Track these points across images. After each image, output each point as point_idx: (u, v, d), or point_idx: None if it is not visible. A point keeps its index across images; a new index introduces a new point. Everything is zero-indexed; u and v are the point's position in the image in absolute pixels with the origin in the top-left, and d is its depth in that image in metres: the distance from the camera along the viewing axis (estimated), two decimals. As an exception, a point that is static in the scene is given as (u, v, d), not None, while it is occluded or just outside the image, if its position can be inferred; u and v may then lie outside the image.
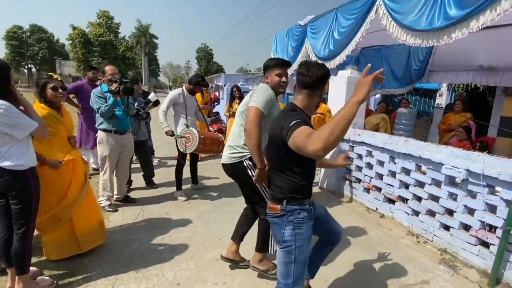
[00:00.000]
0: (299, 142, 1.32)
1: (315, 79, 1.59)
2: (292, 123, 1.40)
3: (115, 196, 3.79)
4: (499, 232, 2.47)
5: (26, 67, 48.34)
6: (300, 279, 1.60)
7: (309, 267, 2.03)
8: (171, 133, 3.84)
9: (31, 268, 2.21)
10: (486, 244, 2.62)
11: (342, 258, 2.80)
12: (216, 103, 7.82)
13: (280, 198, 1.60)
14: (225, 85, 12.18)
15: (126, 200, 3.86)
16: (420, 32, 2.96)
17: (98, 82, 5.48)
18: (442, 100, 7.48)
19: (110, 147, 3.46)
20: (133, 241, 2.95)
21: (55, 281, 2.23)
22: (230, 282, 2.41)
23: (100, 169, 3.62)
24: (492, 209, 2.56)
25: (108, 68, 3.48)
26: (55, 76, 2.50)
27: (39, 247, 2.52)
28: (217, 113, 7.71)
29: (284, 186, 1.60)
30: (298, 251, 1.56)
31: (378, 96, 7.26)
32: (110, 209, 3.58)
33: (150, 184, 4.50)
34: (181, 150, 3.80)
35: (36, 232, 2.25)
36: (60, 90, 2.41)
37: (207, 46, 57.95)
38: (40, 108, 2.35)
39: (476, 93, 6.37)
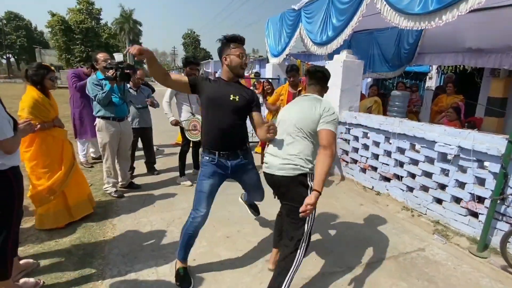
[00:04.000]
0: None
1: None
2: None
3: (120, 183, 3.87)
4: (487, 203, 2.70)
5: (4, 57, 46.28)
6: (196, 204, 2.15)
7: None
8: (175, 123, 3.89)
9: (27, 260, 2.26)
10: (475, 214, 2.86)
11: (344, 232, 3.00)
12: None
13: None
14: (215, 72, 12.08)
15: (131, 187, 3.95)
16: (413, 15, 3.08)
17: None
18: (432, 82, 7.73)
19: (110, 134, 3.51)
20: (144, 223, 3.06)
21: (41, 281, 2.11)
22: (243, 256, 2.57)
23: (102, 157, 3.67)
24: (481, 182, 2.78)
25: (100, 56, 3.48)
26: (52, 68, 2.72)
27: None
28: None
29: None
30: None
31: (369, 80, 7.43)
32: (116, 195, 3.66)
33: (151, 170, 4.58)
34: (189, 138, 3.87)
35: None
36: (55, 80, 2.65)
37: (194, 32, 56.67)
38: (36, 95, 2.56)
39: (464, 74, 6.62)
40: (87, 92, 3.51)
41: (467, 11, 2.65)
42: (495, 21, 3.99)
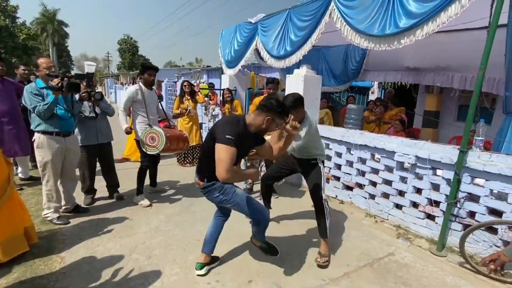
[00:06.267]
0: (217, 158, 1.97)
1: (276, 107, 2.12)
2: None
3: (64, 207, 3.32)
4: (442, 206, 2.99)
5: None
6: (257, 210, 2.31)
7: (207, 242, 2.54)
8: (129, 130, 3.55)
9: None
10: (431, 217, 3.15)
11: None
12: (159, 100, 7.37)
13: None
14: (161, 81, 11.51)
15: (77, 211, 3.42)
16: (373, 37, 3.32)
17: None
18: (374, 96, 8.55)
19: (53, 151, 3.01)
20: (101, 253, 2.65)
21: None
22: (222, 279, 2.38)
23: (41, 178, 3.10)
24: (435, 187, 3.08)
25: (43, 61, 2.99)
26: None
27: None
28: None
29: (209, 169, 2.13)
30: (233, 197, 2.23)
31: (318, 93, 7.86)
32: (60, 222, 3.13)
33: (114, 194, 3.92)
34: (146, 152, 3.52)
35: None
36: None
37: (131, 38, 53.51)
38: None
39: (403, 90, 7.48)
40: (23, 102, 2.96)
41: (423, 37, 2.96)
42: (429, 44, 4.56)
